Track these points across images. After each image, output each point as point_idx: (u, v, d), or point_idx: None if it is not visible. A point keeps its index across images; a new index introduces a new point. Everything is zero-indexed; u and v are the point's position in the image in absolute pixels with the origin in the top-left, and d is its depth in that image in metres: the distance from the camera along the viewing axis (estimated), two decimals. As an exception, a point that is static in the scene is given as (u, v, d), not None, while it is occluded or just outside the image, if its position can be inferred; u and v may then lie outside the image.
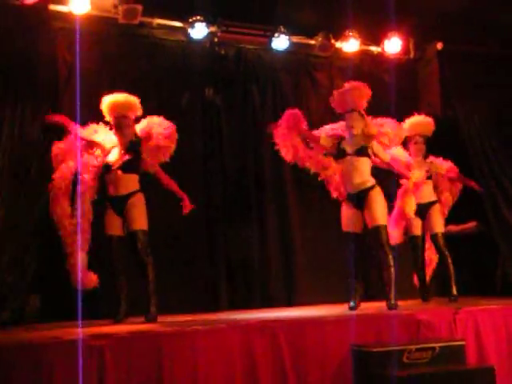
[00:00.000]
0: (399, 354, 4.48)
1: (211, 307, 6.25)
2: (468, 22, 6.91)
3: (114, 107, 5.27)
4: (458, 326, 4.92)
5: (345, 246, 5.65)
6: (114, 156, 5.31)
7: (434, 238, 6.37)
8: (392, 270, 5.32)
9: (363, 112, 5.67)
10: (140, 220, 5.19)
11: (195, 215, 6.38)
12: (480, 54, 7.24)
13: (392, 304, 5.28)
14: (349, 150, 5.56)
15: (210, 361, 4.10)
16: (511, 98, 7.17)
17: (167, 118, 5.59)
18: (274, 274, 6.71)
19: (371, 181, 5.52)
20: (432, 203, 6.40)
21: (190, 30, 6.47)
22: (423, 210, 6.35)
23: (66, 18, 5.97)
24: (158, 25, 6.49)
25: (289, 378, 4.31)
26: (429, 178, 6.43)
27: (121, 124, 5.26)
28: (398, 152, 6.23)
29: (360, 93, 5.65)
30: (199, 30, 6.45)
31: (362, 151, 5.53)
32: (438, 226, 6.36)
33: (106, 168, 5.27)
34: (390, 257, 5.33)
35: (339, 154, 5.63)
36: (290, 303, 6.62)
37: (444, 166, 6.57)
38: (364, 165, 5.52)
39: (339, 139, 5.70)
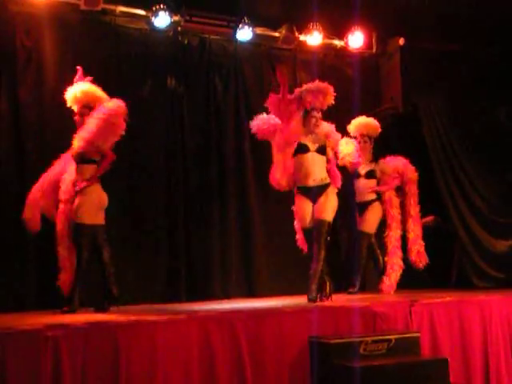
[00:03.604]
0: (356, 346, 4.54)
1: (170, 298, 6.23)
2: (430, 18, 7.00)
3: (81, 97, 5.25)
4: (414, 318, 4.99)
5: (308, 241, 5.62)
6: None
7: (360, 234, 6.54)
8: (320, 264, 5.40)
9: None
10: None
11: (156, 206, 6.39)
12: (441, 49, 7.35)
13: (312, 297, 5.34)
14: (311, 146, 5.61)
15: (167, 352, 4.08)
16: (470, 93, 7.31)
17: (129, 106, 5.53)
18: (234, 265, 6.71)
19: (327, 177, 5.61)
20: (368, 202, 6.56)
21: (153, 19, 6.41)
22: (361, 209, 6.56)
23: (24, 2, 5.86)
24: (121, 12, 6.42)
25: (246, 369, 4.32)
26: (372, 176, 6.58)
27: (83, 113, 5.25)
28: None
29: (327, 93, 5.67)
30: (162, 19, 6.40)
31: (323, 150, 5.63)
32: (369, 226, 6.53)
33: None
34: (323, 252, 5.41)
35: (301, 149, 5.63)
36: (249, 295, 6.64)
37: (390, 167, 6.67)
38: (323, 162, 5.62)
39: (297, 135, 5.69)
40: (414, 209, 6.63)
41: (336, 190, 5.64)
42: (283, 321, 4.54)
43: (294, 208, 5.70)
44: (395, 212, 6.56)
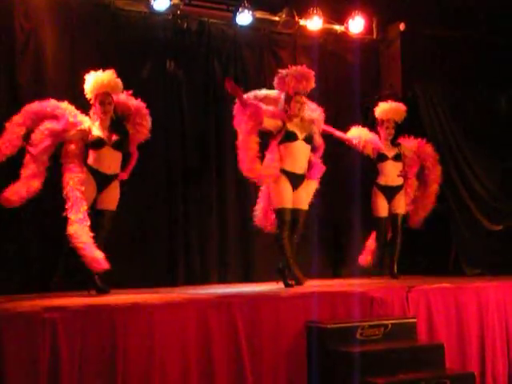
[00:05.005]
0: (353, 331, 4.57)
1: (168, 282, 6.25)
2: (431, 4, 6.97)
3: (101, 84, 5.30)
4: (411, 303, 5.02)
5: (281, 221, 5.63)
6: (99, 132, 5.32)
7: (394, 217, 6.63)
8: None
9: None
10: (115, 202, 5.38)
11: (155, 191, 6.38)
12: (442, 36, 7.32)
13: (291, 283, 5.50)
14: (300, 135, 5.64)
15: (165, 335, 4.10)
16: (471, 80, 7.29)
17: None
18: (232, 249, 6.73)
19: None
20: (401, 186, 6.66)
21: (152, 2, 6.36)
22: (392, 193, 6.60)
23: (22, -17, 5.82)
24: (120, -5, 6.38)
25: (243, 353, 4.34)
26: (400, 159, 6.64)
27: (103, 101, 5.32)
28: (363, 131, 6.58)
29: (309, 78, 5.68)
30: (162, 2, 6.35)
31: (310, 138, 5.70)
32: (401, 207, 6.66)
33: (99, 143, 5.28)
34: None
35: (290, 137, 5.63)
36: (247, 279, 6.66)
37: (411, 147, 6.78)
38: (309, 151, 5.72)
39: (283, 121, 5.68)
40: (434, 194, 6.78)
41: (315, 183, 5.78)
42: (280, 305, 4.56)
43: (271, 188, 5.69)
44: (412, 195, 6.76)
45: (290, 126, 5.64)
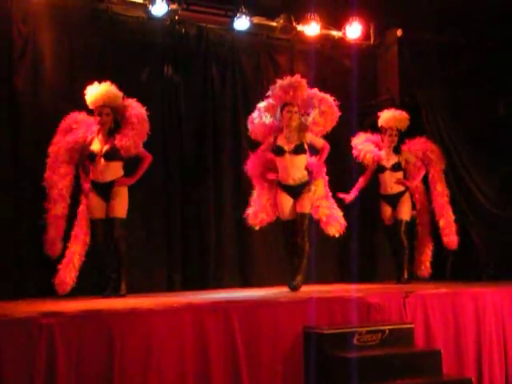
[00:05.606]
0: (350, 336, 4.57)
1: (165, 287, 6.24)
2: (428, 9, 6.99)
3: (96, 97, 5.42)
4: (408, 309, 5.01)
5: (283, 232, 5.91)
6: (96, 145, 5.49)
7: (397, 223, 6.63)
8: (306, 257, 5.65)
9: (298, 105, 5.76)
10: (120, 208, 5.49)
11: (152, 195, 6.38)
12: (439, 41, 7.34)
13: (295, 285, 5.54)
14: (287, 148, 5.69)
15: (162, 341, 4.09)
16: (468, 84, 7.29)
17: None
18: (230, 254, 6.72)
19: (306, 174, 5.76)
20: (402, 193, 6.67)
21: (150, 7, 6.38)
22: (394, 200, 6.63)
23: (20, -12, 5.82)
24: (118, 0, 6.37)
25: (240, 358, 4.33)
26: (399, 168, 6.66)
27: (101, 113, 5.43)
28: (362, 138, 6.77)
29: (297, 87, 5.69)
30: (159, 7, 6.36)
31: (300, 148, 5.70)
32: (404, 213, 6.66)
33: (91, 157, 5.47)
34: (308, 244, 5.66)
35: (277, 151, 5.73)
36: (244, 284, 6.66)
37: (416, 152, 6.80)
38: (302, 161, 5.75)
39: (274, 135, 5.78)
40: (441, 194, 6.76)
41: (321, 181, 5.79)
42: (278, 311, 4.56)
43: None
44: (423, 198, 6.81)
45: (279, 140, 5.73)
